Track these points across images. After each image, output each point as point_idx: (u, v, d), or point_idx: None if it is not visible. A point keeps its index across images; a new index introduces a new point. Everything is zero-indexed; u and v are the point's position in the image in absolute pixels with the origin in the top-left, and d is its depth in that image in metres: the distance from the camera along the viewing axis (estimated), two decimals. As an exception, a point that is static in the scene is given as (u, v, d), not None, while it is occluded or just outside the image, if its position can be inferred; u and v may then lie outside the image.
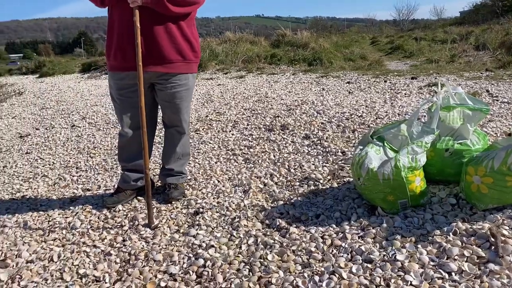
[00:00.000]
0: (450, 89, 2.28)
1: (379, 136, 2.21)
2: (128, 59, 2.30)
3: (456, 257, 1.67)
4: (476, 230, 1.81)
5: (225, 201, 2.57)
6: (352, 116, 4.16)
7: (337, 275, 1.67)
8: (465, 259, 1.66)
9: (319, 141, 3.53)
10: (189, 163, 3.35)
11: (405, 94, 5.20)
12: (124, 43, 2.30)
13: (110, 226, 2.37)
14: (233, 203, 2.53)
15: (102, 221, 2.44)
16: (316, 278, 1.68)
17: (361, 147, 2.21)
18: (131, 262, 1.98)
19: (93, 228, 2.37)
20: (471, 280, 1.54)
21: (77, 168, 3.58)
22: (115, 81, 2.45)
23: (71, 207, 2.70)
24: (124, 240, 2.20)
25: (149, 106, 2.47)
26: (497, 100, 4.45)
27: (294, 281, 1.68)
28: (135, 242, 2.16)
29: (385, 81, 6.28)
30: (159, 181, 2.82)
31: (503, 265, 1.58)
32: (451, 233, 1.82)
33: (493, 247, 1.68)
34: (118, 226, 2.36)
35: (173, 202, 2.61)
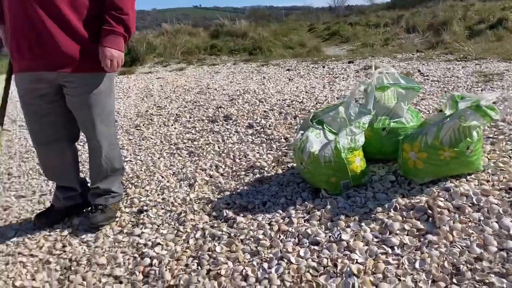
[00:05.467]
0: (383, 70, 2.34)
1: (319, 119, 2.24)
2: (22, 57, 1.94)
3: (397, 232, 1.74)
4: (414, 204, 1.88)
5: (170, 196, 2.51)
6: (293, 102, 4.20)
7: (285, 260, 1.68)
8: (406, 232, 1.73)
9: (262, 129, 3.53)
10: (131, 161, 3.24)
11: (343, 78, 5.33)
12: (15, 37, 1.92)
13: (48, 233, 2.23)
14: (179, 198, 2.47)
15: (39, 228, 2.30)
16: (265, 265, 1.68)
17: (302, 132, 2.22)
18: (72, 268, 1.89)
19: (29, 236, 2.22)
20: (412, 252, 1.61)
21: (8, 174, 3.35)
22: (16, 85, 2.04)
23: (3, 217, 2.52)
24: (64, 246, 2.08)
25: (61, 114, 2.09)
26: (428, 79, 4.66)
27: (244, 270, 1.67)
28: (76, 247, 2.06)
29: (324, 67, 6.41)
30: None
31: (441, 235, 1.65)
32: (392, 209, 1.89)
33: (430, 219, 1.76)
34: (57, 232, 2.23)
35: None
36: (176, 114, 4.48)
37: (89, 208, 2.30)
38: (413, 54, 6.90)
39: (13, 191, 2.96)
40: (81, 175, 2.47)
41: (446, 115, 1.97)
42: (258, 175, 2.63)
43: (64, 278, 1.82)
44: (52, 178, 2.36)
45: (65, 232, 2.21)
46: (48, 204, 2.59)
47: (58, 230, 2.25)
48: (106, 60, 1.94)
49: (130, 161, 3.24)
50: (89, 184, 2.38)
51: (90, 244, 2.07)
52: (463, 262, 1.49)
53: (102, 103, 2.08)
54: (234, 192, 2.44)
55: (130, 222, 2.25)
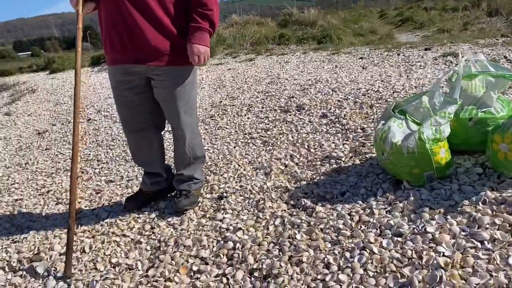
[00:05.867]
0: (471, 57, 2.23)
1: (401, 109, 2.18)
2: (114, 50, 2.10)
3: (487, 226, 1.66)
4: (505, 198, 1.79)
5: (248, 184, 2.58)
6: (369, 91, 4.11)
7: (368, 250, 1.68)
8: (497, 227, 1.65)
9: (337, 119, 3.50)
10: (208, 149, 3.36)
11: (420, 66, 5.11)
12: (109, 32, 2.08)
13: (137, 215, 2.40)
14: (256, 186, 2.53)
15: (129, 210, 2.47)
16: (347, 254, 1.69)
17: (383, 122, 2.18)
18: (161, 248, 2.02)
19: (120, 218, 2.40)
20: (504, 247, 1.53)
21: (98, 160, 3.63)
22: (109, 77, 2.26)
23: (96, 199, 2.75)
24: (152, 228, 2.23)
25: (149, 105, 2.24)
26: (515, 66, 4.34)
27: (325, 258, 1.69)
28: (164, 229, 2.19)
29: (398, 54, 6.17)
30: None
31: (537, 231, 1.56)
32: (480, 202, 1.81)
33: (525, 214, 1.66)
34: (145, 215, 2.38)
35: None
36: (249, 105, 4.56)
37: (174, 193, 2.43)
38: (497, 39, 6.43)
39: (103, 176, 3.21)
40: (166, 162, 2.61)
41: (544, 104, 1.83)
42: (334, 165, 2.63)
43: (154, 258, 1.96)
44: (140, 164, 2.52)
45: (153, 215, 2.36)
46: (135, 189, 2.78)
47: (146, 212, 2.41)
48: (194, 56, 2.05)
49: (208, 149, 3.37)
50: (173, 171, 2.52)
51: (176, 226, 2.20)
52: None
53: (187, 95, 2.19)
54: (310, 182, 2.46)
55: (212, 208, 2.35)
